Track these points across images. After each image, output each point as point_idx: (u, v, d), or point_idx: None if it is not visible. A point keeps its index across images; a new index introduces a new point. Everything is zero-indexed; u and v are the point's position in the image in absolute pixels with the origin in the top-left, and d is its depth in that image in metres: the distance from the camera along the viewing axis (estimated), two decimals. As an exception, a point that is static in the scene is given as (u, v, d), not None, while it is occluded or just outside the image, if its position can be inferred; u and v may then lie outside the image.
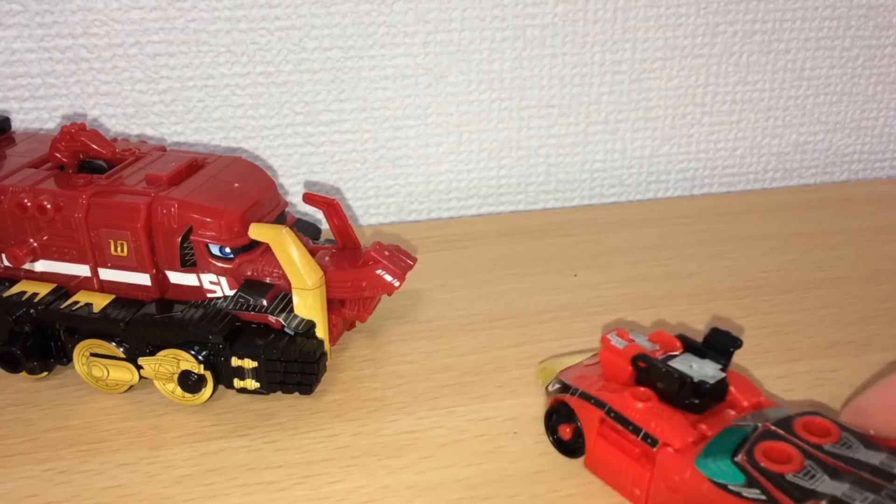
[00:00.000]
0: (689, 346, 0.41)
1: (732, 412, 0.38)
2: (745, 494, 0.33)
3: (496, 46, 0.68)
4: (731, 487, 0.33)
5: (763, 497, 0.32)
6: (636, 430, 0.37)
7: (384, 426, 0.45)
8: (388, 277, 0.46)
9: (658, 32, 0.70)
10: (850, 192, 0.75)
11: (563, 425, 0.41)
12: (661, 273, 0.60)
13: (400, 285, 0.46)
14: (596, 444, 0.39)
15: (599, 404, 0.39)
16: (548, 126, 0.72)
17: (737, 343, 0.40)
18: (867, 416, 0.35)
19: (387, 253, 0.47)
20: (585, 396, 0.40)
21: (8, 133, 0.54)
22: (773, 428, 0.35)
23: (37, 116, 0.63)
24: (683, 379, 0.38)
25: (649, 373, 0.39)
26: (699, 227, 0.67)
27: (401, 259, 0.48)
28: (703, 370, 0.38)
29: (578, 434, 0.41)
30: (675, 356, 0.40)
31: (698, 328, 0.53)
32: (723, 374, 0.38)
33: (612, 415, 0.39)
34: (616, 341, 0.41)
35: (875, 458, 0.33)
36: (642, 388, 0.39)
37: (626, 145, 0.75)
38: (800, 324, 0.53)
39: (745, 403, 0.39)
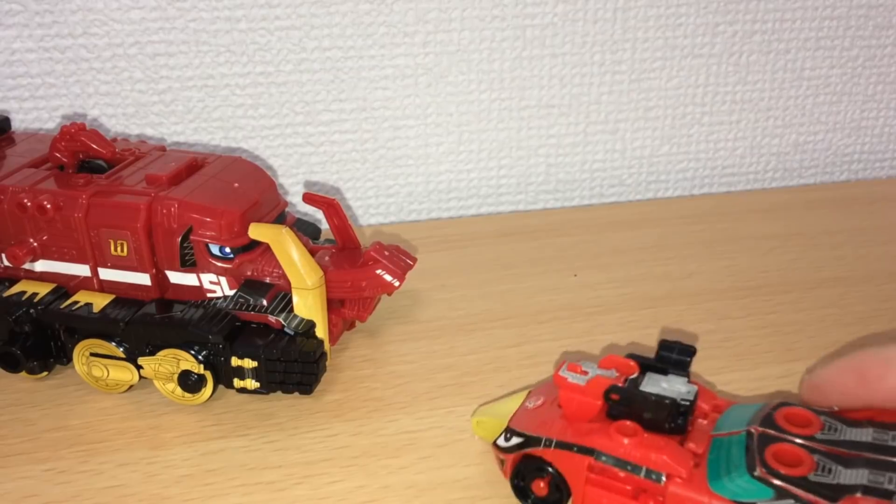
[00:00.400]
0: (646, 365, 0.39)
1: (704, 422, 0.37)
2: None
3: (496, 46, 0.68)
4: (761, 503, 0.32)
5: None
6: (635, 468, 0.35)
7: (384, 426, 0.45)
8: (388, 277, 0.46)
9: (658, 32, 0.70)
10: (850, 192, 0.75)
11: (537, 481, 0.38)
12: (661, 273, 0.60)
13: (400, 285, 0.46)
14: (586, 492, 0.37)
15: (585, 451, 0.36)
16: (547, 126, 0.72)
17: (691, 352, 0.39)
18: (825, 395, 0.36)
19: (387, 253, 0.47)
20: (565, 445, 0.37)
21: (8, 133, 0.54)
22: (767, 431, 0.34)
23: (37, 116, 0.63)
24: (675, 403, 0.36)
25: (627, 403, 0.37)
26: (699, 227, 0.67)
27: (401, 259, 0.48)
28: (675, 387, 0.37)
29: (556, 486, 0.38)
30: (637, 379, 0.38)
31: (698, 328, 0.53)
32: (695, 388, 0.37)
33: (603, 458, 0.36)
34: (573, 378, 0.38)
35: (865, 434, 0.33)
36: (627, 423, 0.36)
37: (626, 145, 0.75)
38: (800, 324, 0.53)
39: (707, 408, 0.38)
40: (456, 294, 0.57)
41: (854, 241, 0.64)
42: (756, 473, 0.33)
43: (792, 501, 0.31)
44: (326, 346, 0.46)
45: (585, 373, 0.38)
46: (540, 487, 0.38)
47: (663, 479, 0.34)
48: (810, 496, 0.31)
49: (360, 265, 0.47)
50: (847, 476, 0.31)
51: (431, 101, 0.69)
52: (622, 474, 0.35)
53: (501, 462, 0.40)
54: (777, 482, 0.32)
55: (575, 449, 0.37)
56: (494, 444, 0.40)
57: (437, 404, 0.46)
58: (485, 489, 0.40)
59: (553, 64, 0.70)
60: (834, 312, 0.55)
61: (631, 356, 0.39)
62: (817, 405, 0.36)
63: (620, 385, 0.37)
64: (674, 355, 0.39)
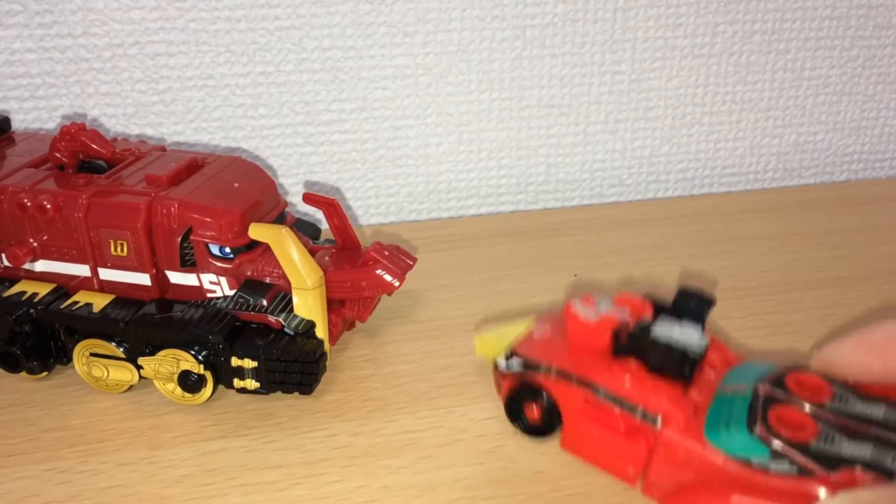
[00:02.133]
0: (660, 309, 0.38)
1: (711, 373, 0.36)
2: (772, 468, 0.31)
3: (496, 46, 0.68)
4: (755, 461, 0.32)
5: (793, 469, 0.31)
6: (632, 408, 0.35)
7: (384, 426, 0.45)
8: (388, 277, 0.46)
9: (658, 32, 0.70)
10: (850, 192, 0.75)
11: (531, 406, 0.38)
12: (661, 273, 0.60)
13: (400, 285, 0.46)
14: (578, 423, 0.37)
15: (584, 383, 0.36)
16: (548, 126, 0.72)
17: (711, 302, 0.38)
18: (838, 369, 0.35)
19: (387, 253, 0.47)
20: (564, 375, 0.37)
21: (8, 133, 0.54)
22: (775, 392, 0.34)
23: (37, 116, 0.63)
24: (685, 352, 0.35)
25: (636, 346, 0.36)
26: (699, 227, 0.67)
27: (401, 259, 0.48)
28: (686, 336, 0.36)
29: (549, 414, 0.38)
30: (649, 322, 0.37)
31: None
32: (707, 339, 0.36)
33: (601, 393, 0.36)
34: (584, 311, 0.38)
35: (875, 410, 0.32)
36: (632, 363, 0.36)
37: (626, 145, 0.75)
38: (800, 324, 0.53)
39: (717, 360, 0.37)
40: (456, 294, 0.57)
41: (854, 241, 0.64)
42: (755, 431, 0.32)
43: (787, 463, 0.31)
44: (326, 346, 0.46)
45: (597, 307, 0.38)
46: (533, 413, 0.38)
47: (659, 422, 0.34)
48: (807, 462, 0.31)
49: (360, 265, 0.47)
50: (849, 448, 0.31)
51: (431, 101, 0.69)
52: (617, 412, 0.35)
53: (499, 384, 0.40)
54: (775, 442, 0.32)
55: (574, 380, 0.36)
56: (495, 364, 0.40)
57: (436, 404, 0.46)
58: (485, 489, 0.40)
59: (553, 64, 0.70)
60: (834, 312, 0.55)
61: (647, 296, 0.38)
62: (831, 375, 0.35)
63: (631, 326, 0.37)
64: (692, 304, 0.38)
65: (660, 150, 0.76)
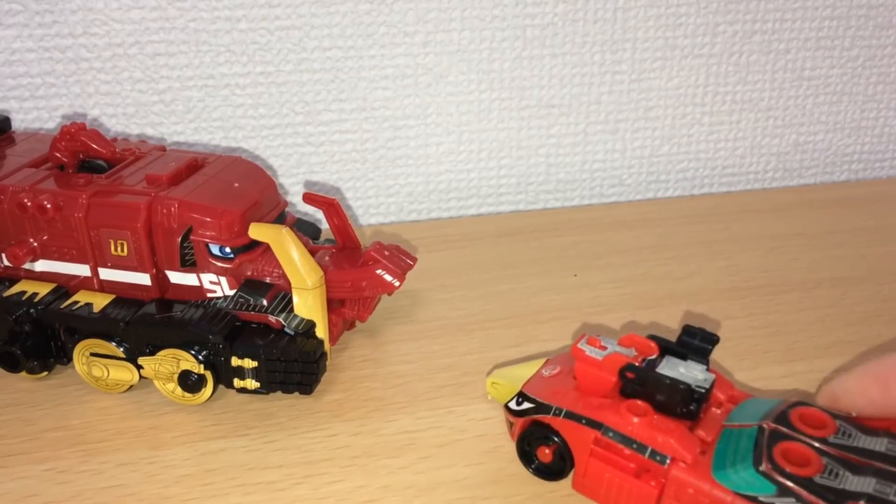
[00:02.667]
0: (666, 348, 0.39)
1: (717, 411, 0.37)
2: None
3: (496, 46, 0.68)
4: (762, 499, 0.32)
5: None
6: (641, 448, 0.35)
7: (384, 426, 0.45)
8: (388, 277, 0.46)
9: (658, 32, 0.70)
10: (850, 192, 0.75)
11: (543, 447, 0.39)
12: (661, 273, 0.60)
13: (400, 285, 0.46)
14: (589, 464, 0.37)
15: (593, 424, 0.37)
16: (548, 126, 0.72)
17: (714, 339, 0.39)
18: (844, 405, 0.35)
19: (387, 253, 0.47)
20: (574, 416, 0.37)
21: (8, 133, 0.54)
22: (780, 428, 0.34)
23: (37, 116, 0.63)
24: (689, 388, 0.36)
25: (642, 383, 0.37)
26: (699, 227, 0.67)
27: (401, 259, 0.48)
28: (692, 373, 0.37)
29: (560, 455, 0.38)
30: (655, 361, 0.38)
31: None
32: (713, 376, 0.37)
33: (610, 434, 0.36)
34: (591, 351, 0.38)
35: (879, 444, 0.33)
36: (638, 402, 0.37)
37: (626, 145, 0.75)
38: (800, 324, 0.53)
39: (723, 398, 0.38)
40: (456, 294, 0.57)
41: (854, 241, 0.64)
42: (761, 468, 0.32)
43: (793, 500, 0.31)
44: (326, 346, 0.46)
45: (604, 348, 0.39)
46: (545, 454, 0.39)
47: (668, 461, 0.35)
48: (812, 497, 0.31)
49: (361, 265, 0.47)
50: (853, 483, 0.31)
51: (431, 101, 0.69)
52: (627, 452, 0.36)
53: (510, 425, 0.41)
54: (781, 479, 0.32)
55: (584, 421, 0.37)
56: (506, 406, 0.41)
57: (436, 404, 0.46)
58: (485, 489, 0.40)
59: (553, 64, 0.70)
60: (834, 312, 0.55)
61: (652, 337, 0.39)
62: (835, 410, 0.36)
63: (637, 364, 0.37)
64: (696, 341, 0.39)
65: (660, 150, 0.76)
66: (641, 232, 0.66)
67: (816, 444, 0.33)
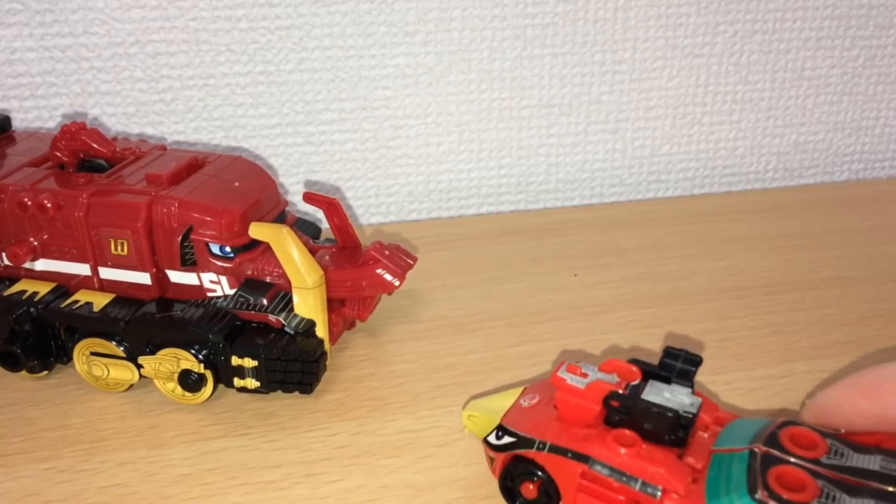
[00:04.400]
0: (648, 372, 0.37)
1: (705, 435, 0.36)
2: None
3: (496, 46, 0.68)
4: None
5: None
6: (631, 480, 0.34)
7: (384, 426, 0.45)
8: (388, 277, 0.46)
9: (658, 32, 0.70)
10: (850, 192, 0.75)
11: (527, 483, 0.37)
12: (661, 273, 0.60)
13: (400, 284, 0.46)
14: (577, 499, 0.35)
15: (580, 457, 0.35)
16: (548, 125, 0.72)
17: (697, 361, 0.38)
18: (831, 418, 0.34)
19: (387, 252, 0.47)
20: (559, 450, 0.36)
21: (8, 132, 0.54)
22: (771, 451, 0.33)
23: (37, 115, 0.63)
24: (678, 415, 0.34)
25: (628, 412, 0.35)
26: (699, 227, 0.67)
27: (401, 258, 0.48)
28: (678, 398, 0.36)
29: (545, 491, 0.37)
30: (639, 386, 0.37)
31: (698, 328, 0.53)
32: (699, 400, 0.36)
33: (598, 467, 0.35)
34: (572, 380, 0.37)
35: (872, 462, 0.32)
36: (626, 432, 0.35)
37: (627, 145, 0.75)
38: (800, 324, 0.54)
39: (708, 420, 0.36)
40: (456, 294, 0.57)
41: (854, 241, 0.64)
42: (757, 496, 0.31)
43: None
44: (327, 345, 0.46)
45: (585, 375, 0.37)
46: (529, 490, 0.37)
47: (659, 493, 0.33)
48: None
49: (361, 264, 0.47)
50: None
51: (432, 101, 0.69)
52: (616, 484, 0.34)
53: (491, 460, 0.39)
54: None
55: (569, 455, 0.36)
56: (485, 440, 0.39)
57: (437, 404, 0.46)
58: (485, 489, 0.40)
59: (553, 63, 0.70)
60: (834, 312, 0.55)
61: (633, 361, 0.38)
62: (822, 427, 0.35)
63: (621, 392, 0.36)
64: (678, 364, 0.37)
65: (660, 149, 0.76)
66: (641, 232, 0.66)
67: (810, 467, 0.32)
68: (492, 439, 0.38)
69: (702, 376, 0.48)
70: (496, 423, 0.39)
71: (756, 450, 0.33)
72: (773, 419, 0.36)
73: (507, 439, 0.37)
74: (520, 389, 0.41)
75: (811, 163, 0.80)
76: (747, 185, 0.80)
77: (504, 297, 0.57)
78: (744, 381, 0.48)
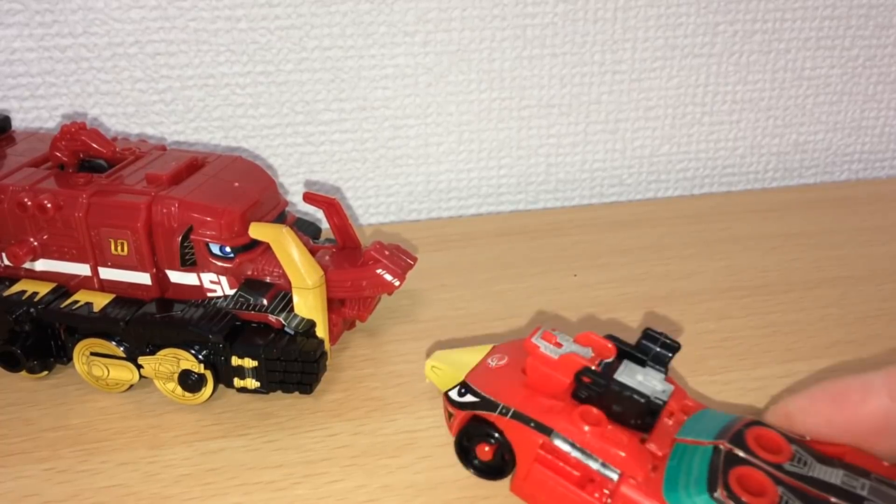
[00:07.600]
0: (624, 351, 0.37)
1: (669, 422, 0.35)
2: None
3: (496, 46, 0.68)
4: None
5: None
6: (590, 458, 0.34)
7: (384, 426, 0.45)
8: (388, 277, 0.46)
9: (658, 32, 0.70)
10: (850, 192, 0.75)
11: (483, 445, 0.36)
12: (661, 273, 0.60)
13: (400, 285, 0.46)
14: (532, 469, 0.35)
15: (542, 428, 0.35)
16: (548, 125, 0.72)
17: (675, 348, 0.37)
18: (797, 424, 0.34)
19: (387, 252, 0.47)
20: (522, 417, 0.35)
21: (8, 132, 0.54)
22: (735, 451, 0.33)
23: (37, 115, 0.63)
24: (649, 401, 0.34)
25: (598, 391, 0.35)
26: (699, 227, 0.67)
27: (401, 258, 0.48)
28: (651, 383, 0.35)
29: (501, 455, 0.36)
30: (612, 365, 0.36)
31: (698, 328, 0.53)
32: (671, 387, 0.36)
33: (559, 441, 0.34)
34: (545, 348, 0.36)
35: (834, 475, 0.32)
36: (592, 410, 0.35)
37: (626, 145, 0.75)
38: (800, 324, 0.54)
39: (675, 407, 0.36)
40: (456, 294, 0.57)
41: (854, 241, 0.64)
42: (716, 495, 0.31)
43: None
44: (327, 345, 0.46)
45: (559, 345, 0.36)
46: (484, 452, 0.36)
47: (616, 476, 0.33)
48: None
49: (361, 265, 0.47)
50: None
51: (432, 101, 0.69)
52: (574, 460, 0.34)
53: (450, 415, 0.38)
54: None
55: (532, 424, 0.35)
56: (446, 394, 0.38)
57: (437, 404, 0.46)
58: (485, 489, 0.40)
59: (553, 63, 0.70)
60: (834, 312, 0.55)
61: (610, 337, 0.37)
62: (788, 432, 0.34)
63: (594, 368, 0.35)
64: (656, 347, 0.37)
65: (660, 149, 0.76)
66: (641, 232, 0.66)
67: (772, 472, 0.32)
68: (454, 395, 0.38)
69: (702, 376, 0.48)
70: (460, 378, 0.38)
71: (721, 447, 0.33)
72: (740, 416, 0.35)
73: (469, 398, 0.37)
74: (488, 347, 0.40)
75: (811, 163, 0.80)
76: (747, 185, 0.80)
77: (504, 298, 0.57)
78: (744, 381, 0.48)
